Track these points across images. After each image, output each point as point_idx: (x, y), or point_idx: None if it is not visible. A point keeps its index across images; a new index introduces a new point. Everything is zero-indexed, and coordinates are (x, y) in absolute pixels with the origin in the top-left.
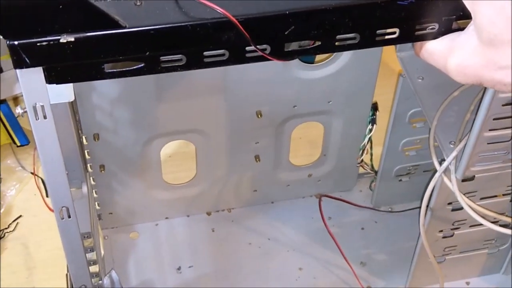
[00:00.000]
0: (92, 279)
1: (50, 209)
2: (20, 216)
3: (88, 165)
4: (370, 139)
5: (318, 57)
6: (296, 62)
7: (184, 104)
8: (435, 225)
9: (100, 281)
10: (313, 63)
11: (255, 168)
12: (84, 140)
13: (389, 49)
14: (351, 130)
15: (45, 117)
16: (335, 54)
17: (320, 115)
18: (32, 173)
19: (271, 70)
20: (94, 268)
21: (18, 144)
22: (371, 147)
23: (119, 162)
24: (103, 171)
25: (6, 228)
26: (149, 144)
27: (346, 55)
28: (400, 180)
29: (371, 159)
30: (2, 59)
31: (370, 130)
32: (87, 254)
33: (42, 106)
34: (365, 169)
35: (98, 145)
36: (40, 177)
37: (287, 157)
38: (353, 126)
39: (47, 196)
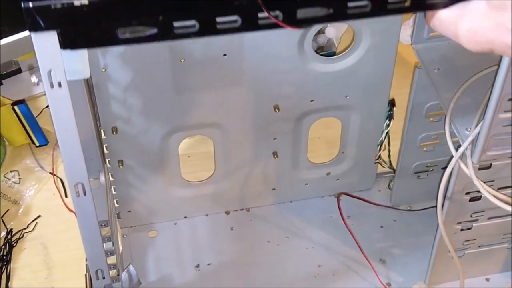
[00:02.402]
0: (110, 271)
1: (69, 209)
2: (39, 216)
3: (107, 160)
4: (387, 134)
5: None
6: (313, 54)
7: (202, 98)
8: (453, 216)
9: (118, 276)
10: (334, 56)
11: (273, 165)
12: (103, 134)
13: (405, 47)
14: (369, 125)
15: (60, 85)
16: (351, 46)
17: (337, 110)
18: (51, 173)
19: (288, 63)
20: (111, 260)
21: (37, 144)
22: (388, 143)
23: (137, 156)
24: (121, 166)
25: (25, 228)
26: (167, 138)
27: (362, 48)
28: (419, 177)
29: (389, 155)
30: (20, 59)
31: (388, 125)
32: (104, 244)
33: (57, 74)
34: (383, 166)
35: (116, 139)
36: (59, 177)
37: (305, 154)
38: (370, 121)
39: (66, 196)
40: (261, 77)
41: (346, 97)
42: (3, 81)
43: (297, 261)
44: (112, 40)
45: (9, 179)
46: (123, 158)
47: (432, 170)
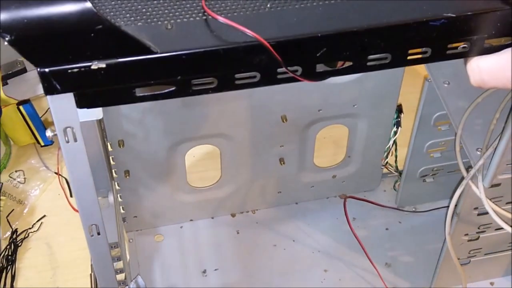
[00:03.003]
0: (119, 287)
1: (74, 209)
2: (44, 216)
3: (113, 170)
4: (394, 142)
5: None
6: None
7: (210, 109)
8: (461, 229)
9: (127, 287)
10: None
11: (280, 171)
12: (109, 147)
13: None
14: (376, 132)
15: (75, 140)
16: None
17: (345, 118)
18: (56, 173)
19: None
20: (120, 277)
21: (42, 144)
22: (395, 150)
23: (144, 167)
24: (128, 177)
25: (30, 228)
26: (174, 149)
27: None
28: (424, 181)
29: (395, 161)
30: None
31: (395, 133)
32: (114, 263)
33: (73, 129)
34: (389, 170)
35: (123, 151)
36: (64, 177)
37: (311, 159)
38: (378, 128)
39: (71, 196)
40: (269, 89)
41: (354, 106)
42: (8, 81)
43: (303, 266)
44: (129, 99)
45: (14, 179)
46: (129, 168)
47: (438, 173)
